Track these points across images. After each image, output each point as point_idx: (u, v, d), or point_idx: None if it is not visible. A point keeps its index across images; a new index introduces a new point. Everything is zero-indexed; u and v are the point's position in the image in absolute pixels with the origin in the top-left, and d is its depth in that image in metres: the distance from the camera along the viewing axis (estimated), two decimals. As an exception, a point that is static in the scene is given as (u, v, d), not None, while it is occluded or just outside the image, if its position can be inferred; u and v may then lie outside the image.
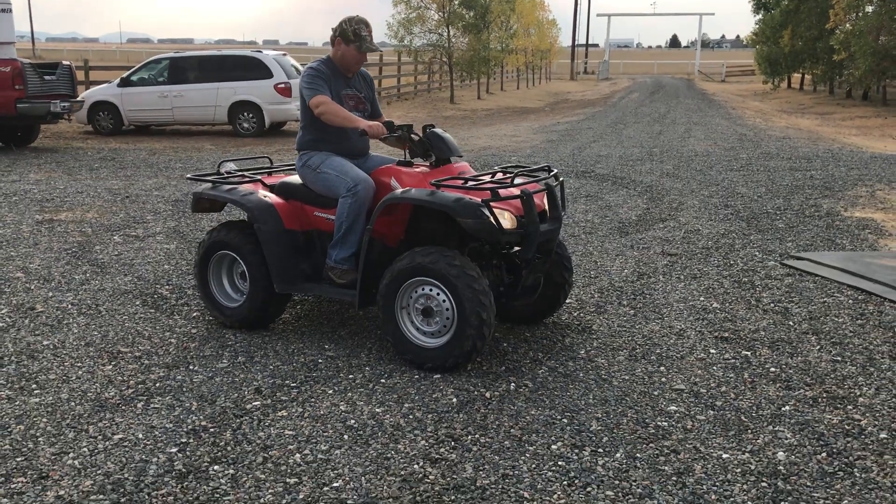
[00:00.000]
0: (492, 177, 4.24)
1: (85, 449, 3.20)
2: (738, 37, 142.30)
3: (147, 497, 2.85)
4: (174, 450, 3.19)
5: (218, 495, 2.87)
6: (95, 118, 15.98)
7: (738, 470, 3.08)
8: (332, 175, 4.33)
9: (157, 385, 3.82)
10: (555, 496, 2.89)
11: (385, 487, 2.93)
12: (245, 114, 15.59)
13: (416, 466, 3.08)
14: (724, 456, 3.18)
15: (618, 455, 3.18)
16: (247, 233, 4.54)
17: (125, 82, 15.99)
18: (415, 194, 3.99)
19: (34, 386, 3.81)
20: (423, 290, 3.95)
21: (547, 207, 4.18)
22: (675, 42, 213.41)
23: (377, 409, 3.57)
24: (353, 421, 3.46)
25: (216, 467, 3.06)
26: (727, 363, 4.16)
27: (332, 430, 3.37)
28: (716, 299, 5.25)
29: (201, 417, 3.48)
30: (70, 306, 5.01)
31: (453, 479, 2.99)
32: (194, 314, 4.86)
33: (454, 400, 3.67)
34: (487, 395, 3.73)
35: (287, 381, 3.87)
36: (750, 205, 8.52)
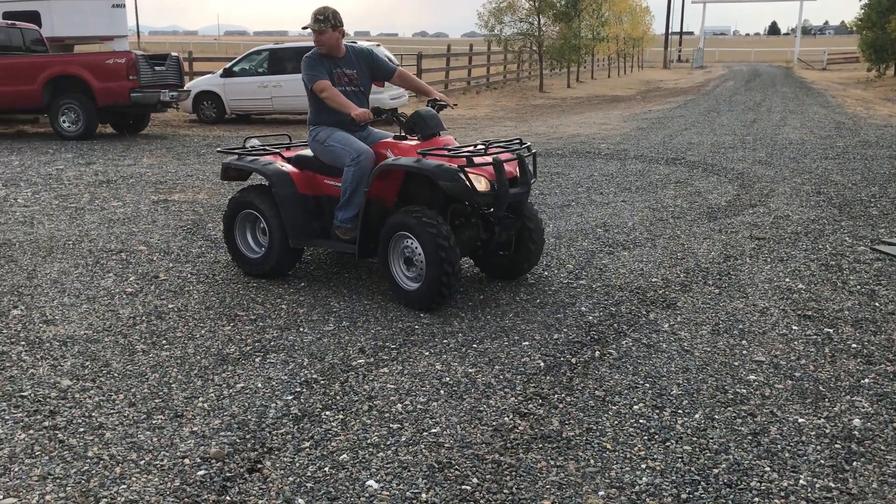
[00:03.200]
0: (473, 148, 4.81)
1: (212, 395, 3.61)
2: (842, 23, 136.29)
3: (268, 435, 3.23)
4: (290, 397, 3.57)
5: (330, 435, 3.22)
6: (200, 107, 16.80)
7: (813, 433, 3.24)
8: (337, 147, 4.99)
9: (272, 343, 4.22)
10: (635, 448, 3.12)
11: (478, 435, 3.22)
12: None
13: (506, 419, 3.36)
14: (801, 420, 3.34)
15: (696, 416, 3.38)
16: (267, 195, 5.30)
17: (227, 73, 16.73)
18: (403, 161, 4.74)
19: (164, 342, 4.27)
20: (405, 242, 4.70)
21: (518, 174, 4.81)
22: (773, 29, 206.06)
23: (470, 370, 3.86)
24: (447, 378, 3.76)
25: (327, 413, 3.42)
26: (809, 339, 4.28)
27: (429, 386, 3.68)
28: (801, 281, 5.33)
29: (312, 371, 3.85)
30: (189, 275, 5.49)
31: (541, 430, 3.26)
32: (301, 284, 5.26)
33: (541, 364, 3.93)
34: (573, 360, 3.97)
35: (387, 344, 4.21)
36: (843, 192, 8.43)
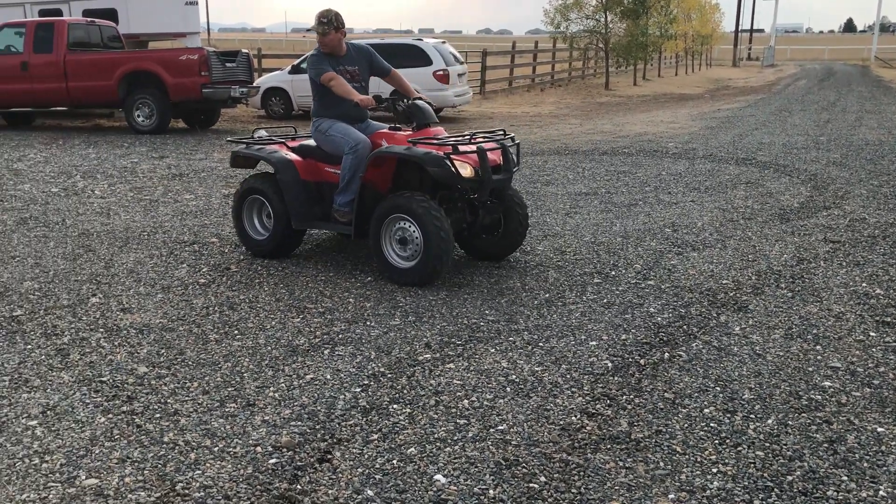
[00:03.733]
0: (460, 138, 5.18)
1: (283, 385, 3.68)
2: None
3: (337, 425, 3.27)
4: (358, 390, 3.61)
5: (398, 429, 3.25)
6: (268, 103, 17.11)
7: (894, 443, 3.13)
8: (337, 137, 5.39)
9: (340, 336, 4.28)
10: (706, 452, 3.07)
11: (545, 433, 3.21)
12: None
13: (573, 418, 3.34)
14: (880, 430, 3.24)
15: (769, 421, 3.31)
16: (272, 181, 5.69)
17: (295, 69, 16.97)
18: (395, 149, 5.16)
19: (236, 332, 4.36)
20: (399, 224, 5.09)
21: (501, 162, 5.22)
22: (849, 26, 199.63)
23: (536, 368, 3.85)
24: (514, 376, 3.76)
25: (395, 406, 3.45)
26: (888, 346, 4.14)
27: (495, 383, 3.68)
28: (879, 286, 5.15)
29: (379, 365, 3.89)
30: (259, 268, 5.60)
31: (609, 430, 3.23)
32: (368, 279, 5.32)
33: (609, 364, 3.89)
34: (641, 361, 3.93)
35: (453, 340, 4.22)
36: (924, 195, 8.12)
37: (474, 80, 21.29)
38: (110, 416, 3.37)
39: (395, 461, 3.00)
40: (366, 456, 3.04)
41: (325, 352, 4.07)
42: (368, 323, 4.49)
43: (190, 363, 3.92)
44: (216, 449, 3.09)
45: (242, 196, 5.91)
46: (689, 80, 34.51)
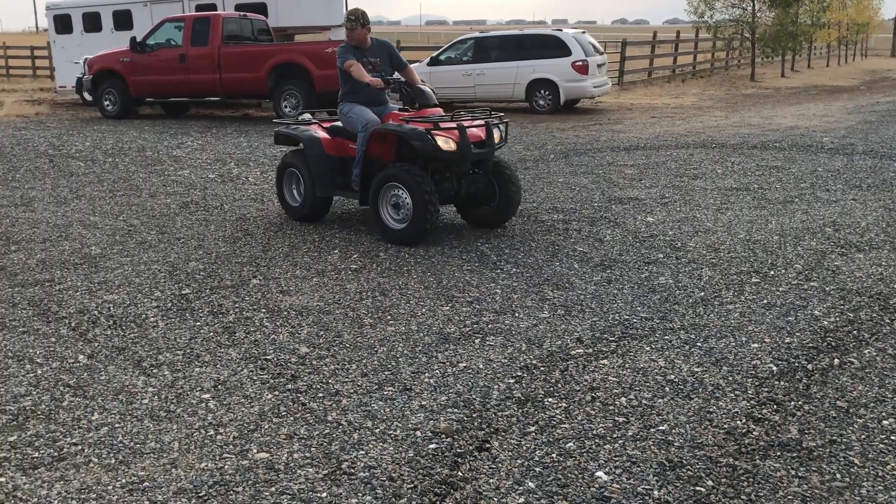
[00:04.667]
0: (451, 118, 5.88)
1: (437, 371, 3.72)
2: None
3: (493, 415, 3.28)
4: (511, 381, 3.61)
5: (554, 422, 3.22)
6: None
7: None
8: (353, 118, 6.22)
9: (490, 326, 4.29)
10: (888, 467, 2.87)
11: (710, 436, 3.10)
12: (542, 91, 16.08)
13: (738, 422, 3.20)
14: None
15: (959, 439, 3.06)
16: (303, 156, 6.53)
17: (434, 61, 17.17)
18: (388, 126, 5.99)
19: (389, 317, 4.45)
20: (394, 191, 5.87)
21: (485, 138, 5.93)
22: None
23: (695, 369, 3.72)
24: (672, 376, 3.65)
25: (550, 399, 3.42)
26: None
27: (653, 382, 3.59)
28: None
29: (531, 357, 3.87)
30: (407, 256, 5.70)
31: (777, 437, 3.08)
32: (513, 270, 5.31)
33: (773, 368, 3.71)
34: (809, 367, 3.72)
35: (605, 336, 4.15)
36: None
37: (612, 71, 20.86)
38: (276, 393, 3.51)
39: (553, 455, 2.98)
40: (524, 448, 3.03)
41: (476, 341, 4.09)
42: (517, 314, 4.47)
43: (347, 346, 4.04)
44: (377, 430, 3.16)
45: (281, 169, 6.85)
46: (841, 72, 32.52)
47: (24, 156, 10.58)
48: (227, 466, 2.92)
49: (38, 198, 7.82)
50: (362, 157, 6.14)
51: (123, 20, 18.02)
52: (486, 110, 6.21)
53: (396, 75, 6.37)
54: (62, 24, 19.09)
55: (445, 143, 5.70)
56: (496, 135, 6.02)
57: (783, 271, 5.20)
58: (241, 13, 15.95)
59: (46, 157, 10.40)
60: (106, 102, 15.57)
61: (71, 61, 17.91)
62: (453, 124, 5.75)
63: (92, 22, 18.51)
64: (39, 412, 3.34)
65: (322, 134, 6.56)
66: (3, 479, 2.82)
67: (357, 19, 6.24)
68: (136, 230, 6.50)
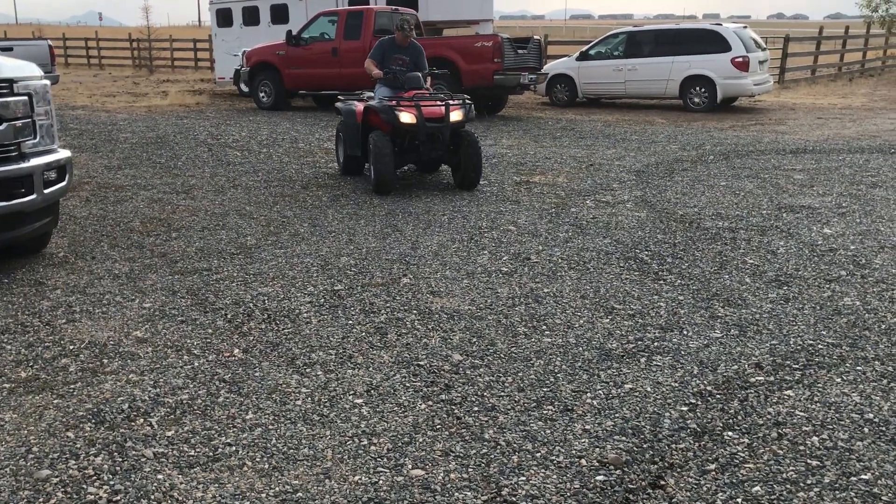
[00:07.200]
0: (419, 100, 7.62)
1: (600, 392, 3.45)
2: None
3: (667, 448, 2.98)
4: (684, 408, 3.28)
5: (737, 461, 2.88)
6: (553, 90, 17.02)
7: None
8: (375, 97, 8.18)
9: (655, 344, 3.96)
10: None
11: (925, 493, 2.68)
12: (697, 88, 15.32)
13: (959, 478, 2.76)
14: None
15: None
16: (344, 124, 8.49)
17: (583, 56, 16.71)
18: (372, 103, 7.88)
19: (544, 327, 4.21)
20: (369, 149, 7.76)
21: (443, 114, 7.52)
22: None
23: (898, 408, 3.27)
24: (871, 415, 3.22)
25: (729, 433, 3.08)
26: None
27: (848, 420, 3.17)
28: None
29: (705, 382, 3.53)
30: (560, 260, 5.43)
31: None
32: (678, 282, 4.94)
33: None
34: None
35: (788, 362, 3.74)
36: None
37: (773, 68, 19.67)
38: (430, 402, 3.35)
39: (739, 500, 2.65)
40: (704, 488, 2.72)
41: (642, 360, 3.78)
42: (685, 332, 4.12)
43: (502, 356, 3.83)
44: (538, 455, 2.93)
45: (336, 134, 8.92)
46: None
47: (185, 144, 11.04)
48: (381, 482, 2.77)
49: (198, 185, 8.09)
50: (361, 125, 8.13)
51: (280, 14, 18.61)
52: (450, 94, 8.10)
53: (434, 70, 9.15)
54: (223, 18, 19.95)
55: (407, 117, 7.41)
56: (456, 114, 7.56)
57: None
58: (393, 7, 16.09)
59: (206, 146, 10.81)
60: (261, 94, 16.11)
61: (230, 53, 18.70)
62: (412, 104, 7.50)
63: (251, 15, 19.23)
64: (196, 407, 3.32)
65: (360, 107, 8.15)
66: (161, 477, 2.79)
67: (402, 27, 8.38)
68: (289, 221, 6.56)
